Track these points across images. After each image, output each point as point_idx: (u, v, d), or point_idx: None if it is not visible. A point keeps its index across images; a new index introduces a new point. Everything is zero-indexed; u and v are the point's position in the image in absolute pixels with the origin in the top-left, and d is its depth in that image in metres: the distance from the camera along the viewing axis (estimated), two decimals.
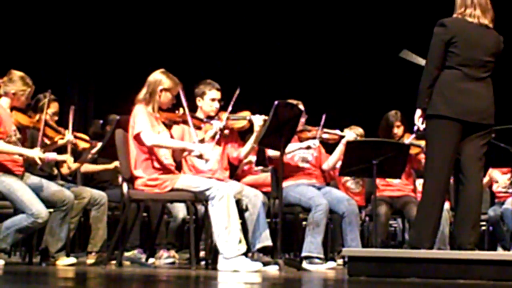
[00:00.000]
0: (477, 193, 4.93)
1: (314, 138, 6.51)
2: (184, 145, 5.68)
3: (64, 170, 6.74)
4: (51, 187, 5.79)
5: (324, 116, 6.50)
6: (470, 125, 4.89)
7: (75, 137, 6.32)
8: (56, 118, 6.52)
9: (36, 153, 5.63)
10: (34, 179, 5.78)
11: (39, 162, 5.67)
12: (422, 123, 4.98)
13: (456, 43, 4.90)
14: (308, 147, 6.45)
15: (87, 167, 7.10)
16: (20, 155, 5.68)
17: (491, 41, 4.97)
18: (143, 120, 5.47)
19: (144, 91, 5.62)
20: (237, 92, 5.96)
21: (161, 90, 5.61)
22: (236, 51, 10.99)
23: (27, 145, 5.89)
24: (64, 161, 6.37)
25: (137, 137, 5.47)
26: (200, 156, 5.53)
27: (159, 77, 5.64)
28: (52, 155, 5.96)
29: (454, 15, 5.02)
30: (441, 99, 4.89)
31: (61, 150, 6.30)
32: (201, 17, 11.01)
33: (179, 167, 5.87)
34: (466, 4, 4.98)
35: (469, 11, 4.96)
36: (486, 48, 4.93)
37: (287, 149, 6.07)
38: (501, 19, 5.11)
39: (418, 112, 4.98)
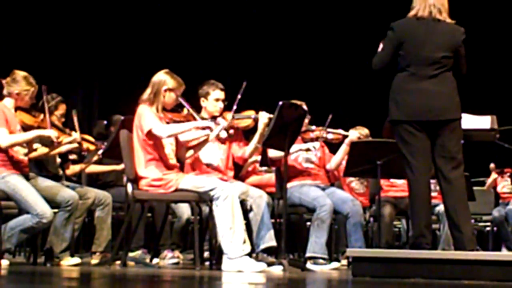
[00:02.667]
0: (460, 190, 4.88)
1: (317, 138, 6.51)
2: (195, 123, 5.63)
3: (69, 171, 6.76)
4: (56, 188, 5.80)
5: (330, 117, 6.50)
6: (428, 124, 4.87)
7: (82, 138, 6.33)
8: (63, 119, 6.54)
9: (52, 132, 5.66)
10: (39, 180, 5.79)
11: (55, 140, 5.68)
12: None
13: (403, 44, 4.92)
14: (308, 150, 6.45)
15: (94, 168, 7.10)
16: (37, 137, 5.69)
17: (444, 36, 4.90)
18: (150, 117, 5.48)
19: (148, 91, 5.62)
20: (244, 86, 5.96)
21: (165, 90, 5.61)
22: (240, 52, 10.99)
23: (32, 144, 5.90)
24: (74, 159, 6.37)
25: (149, 135, 5.46)
26: (208, 129, 5.53)
27: (163, 78, 5.64)
28: (65, 146, 6.02)
29: (408, 15, 5.02)
30: (393, 104, 4.93)
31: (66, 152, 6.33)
32: (204, 17, 11.02)
33: (183, 167, 5.87)
34: (418, 3, 4.96)
35: (422, 9, 4.93)
36: (438, 44, 4.88)
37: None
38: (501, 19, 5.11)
39: None
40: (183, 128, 5.60)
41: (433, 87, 4.87)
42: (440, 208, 6.52)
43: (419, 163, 4.89)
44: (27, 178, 5.69)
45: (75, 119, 6.36)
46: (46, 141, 5.95)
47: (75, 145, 6.25)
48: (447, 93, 4.89)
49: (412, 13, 4.99)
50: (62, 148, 6.22)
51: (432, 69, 4.88)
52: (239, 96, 6.00)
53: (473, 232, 4.94)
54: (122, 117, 6.28)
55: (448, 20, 4.94)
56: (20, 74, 5.81)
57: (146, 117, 5.48)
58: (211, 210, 5.46)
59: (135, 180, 5.53)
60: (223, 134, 6.01)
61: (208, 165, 6.05)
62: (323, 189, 6.48)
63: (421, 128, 4.88)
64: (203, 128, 5.61)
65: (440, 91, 4.87)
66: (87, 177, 7.11)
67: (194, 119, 5.74)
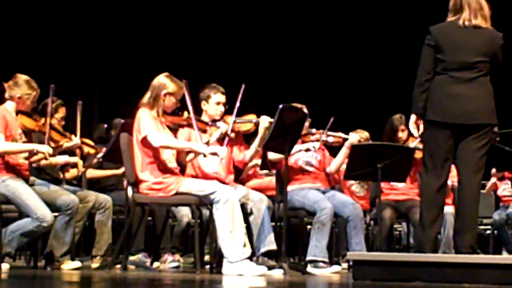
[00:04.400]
0: (470, 197, 4.93)
1: (317, 141, 6.51)
2: (192, 146, 5.67)
3: (69, 174, 6.76)
4: (56, 191, 5.80)
5: (331, 119, 6.51)
6: (461, 128, 4.90)
7: (82, 142, 6.34)
8: (63, 122, 6.55)
9: (46, 148, 5.65)
10: (39, 183, 5.79)
11: (48, 157, 5.68)
12: (417, 128, 5.05)
13: (441, 48, 4.96)
14: (308, 150, 6.45)
15: (94, 173, 7.11)
16: (31, 150, 5.68)
17: (481, 41, 4.94)
18: (148, 123, 5.48)
19: (148, 95, 5.62)
20: (242, 88, 5.97)
21: (165, 94, 5.61)
22: (241, 55, 11.00)
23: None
24: (75, 164, 6.39)
25: (144, 141, 5.47)
26: (214, 154, 5.53)
27: (163, 81, 5.64)
28: (64, 158, 5.99)
29: (447, 19, 5.05)
30: (430, 105, 4.96)
31: (67, 154, 6.32)
32: (205, 20, 11.03)
33: (183, 171, 5.87)
34: (455, 9, 5.02)
35: (459, 15, 4.99)
36: (474, 49, 4.92)
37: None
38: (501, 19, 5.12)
39: (412, 117, 5.06)
40: (178, 145, 5.61)
41: (468, 91, 4.91)
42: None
43: (435, 168, 4.94)
44: (27, 182, 5.69)
45: (79, 110, 6.37)
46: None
47: (75, 159, 6.26)
48: (481, 98, 4.92)
49: (450, 17, 5.04)
50: (60, 161, 6.22)
51: (469, 73, 4.92)
52: (239, 99, 6.00)
53: (474, 236, 4.96)
54: (123, 121, 6.28)
55: (487, 25, 4.97)
56: (22, 78, 5.81)
57: (144, 122, 5.48)
58: (211, 214, 5.46)
59: (136, 183, 5.53)
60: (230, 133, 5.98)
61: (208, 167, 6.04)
62: (324, 192, 6.48)
63: (452, 132, 4.92)
64: (198, 153, 5.61)
65: (475, 95, 4.91)
66: (87, 180, 7.11)
67: (192, 124, 5.73)
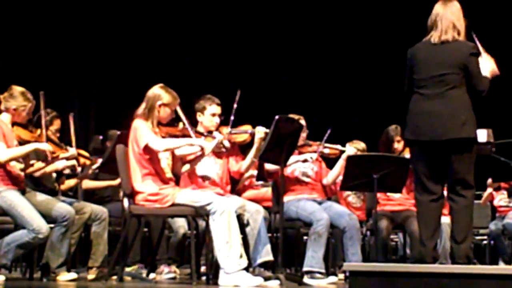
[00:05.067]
0: (463, 208, 4.95)
1: (315, 152, 6.52)
2: (189, 141, 5.66)
3: (65, 185, 6.75)
4: (52, 203, 5.79)
5: (329, 131, 6.52)
6: (433, 144, 4.95)
7: (77, 154, 6.33)
8: (58, 134, 6.54)
9: (46, 146, 5.65)
10: (35, 195, 5.78)
11: (49, 154, 5.67)
12: None
13: (413, 67, 5.05)
14: (305, 160, 6.45)
15: (90, 184, 7.10)
16: (35, 150, 5.69)
17: (446, 54, 4.96)
18: (146, 131, 5.48)
19: (143, 106, 5.62)
20: (238, 94, 5.97)
21: (159, 105, 5.61)
22: (237, 66, 11.01)
23: (29, 160, 5.89)
24: (74, 167, 6.36)
25: (145, 149, 5.46)
26: (201, 150, 5.55)
27: (157, 92, 5.64)
28: (62, 163, 6.00)
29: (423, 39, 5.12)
30: (406, 124, 5.08)
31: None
32: (201, 31, 11.04)
33: (179, 181, 5.86)
34: (430, 27, 5.07)
35: (432, 32, 5.04)
36: (440, 62, 4.95)
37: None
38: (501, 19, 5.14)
39: None
40: (179, 143, 5.60)
41: (435, 107, 4.94)
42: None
43: (425, 184, 5.01)
44: (24, 193, 5.69)
45: (71, 121, 6.37)
46: (42, 157, 5.95)
47: (73, 162, 6.25)
48: (449, 112, 4.92)
49: (426, 36, 5.09)
50: (59, 165, 6.21)
51: (436, 89, 4.96)
52: (235, 106, 6.00)
53: (469, 247, 4.98)
54: (118, 132, 6.27)
55: (460, 38, 4.99)
56: (17, 89, 5.81)
57: (142, 131, 5.48)
58: (207, 225, 5.45)
59: (132, 195, 5.52)
60: (226, 143, 5.99)
61: (203, 178, 6.03)
62: (320, 203, 6.47)
63: (427, 150, 4.97)
64: (197, 146, 5.62)
65: (441, 111, 4.93)
66: (83, 192, 7.10)
67: (189, 133, 5.74)
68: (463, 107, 4.93)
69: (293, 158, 6.32)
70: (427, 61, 4.99)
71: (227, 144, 5.91)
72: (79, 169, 6.51)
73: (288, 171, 6.43)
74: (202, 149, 5.61)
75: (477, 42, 5.11)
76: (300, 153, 6.50)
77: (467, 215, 4.96)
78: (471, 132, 4.95)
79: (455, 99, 4.93)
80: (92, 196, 7.20)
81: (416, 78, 5.02)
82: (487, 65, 5.09)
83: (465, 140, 4.92)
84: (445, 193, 5.12)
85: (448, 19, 5.00)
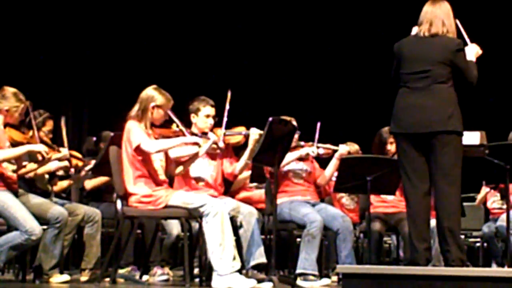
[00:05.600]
0: (447, 208, 4.92)
1: (307, 154, 6.51)
2: (183, 140, 5.65)
3: (58, 187, 6.73)
4: (45, 204, 5.78)
5: (318, 124, 6.52)
6: (418, 137, 4.94)
7: (70, 155, 6.32)
8: (51, 135, 6.53)
9: (42, 147, 5.64)
10: (28, 196, 5.77)
11: (45, 154, 5.66)
12: None
13: (400, 61, 5.08)
14: (307, 155, 6.46)
15: (92, 183, 7.07)
16: (28, 152, 5.67)
17: (433, 48, 4.99)
18: (138, 132, 5.47)
19: (136, 107, 5.62)
20: (229, 95, 5.96)
21: (153, 107, 5.60)
22: (230, 67, 11.01)
23: (21, 161, 5.88)
24: (67, 168, 6.35)
25: (137, 150, 5.45)
26: (196, 145, 5.58)
27: (151, 94, 5.63)
28: (55, 164, 6.00)
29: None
30: (392, 118, 5.10)
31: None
32: (194, 33, 11.04)
33: (172, 183, 5.86)
34: (420, 22, 5.10)
35: (421, 27, 5.07)
36: (426, 57, 4.98)
37: (284, 161, 6.06)
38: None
39: None
40: (171, 143, 5.59)
41: (421, 100, 4.95)
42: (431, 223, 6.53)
43: (411, 179, 4.99)
44: (16, 195, 5.67)
45: (63, 124, 6.36)
46: (35, 158, 5.93)
47: (65, 163, 6.24)
48: (435, 106, 4.93)
49: (413, 31, 5.12)
50: (52, 166, 6.20)
51: (422, 82, 4.98)
52: (227, 107, 5.99)
53: (462, 248, 4.96)
54: (112, 133, 6.26)
55: (449, 34, 5.00)
56: (9, 90, 5.80)
57: (135, 132, 5.47)
58: (201, 227, 5.45)
59: (125, 196, 5.51)
60: (221, 144, 5.97)
61: (197, 180, 6.03)
62: (313, 205, 6.47)
63: (414, 143, 4.96)
64: (192, 144, 5.62)
65: (426, 104, 4.94)
66: (76, 193, 7.08)
67: (184, 134, 5.74)
68: (449, 101, 4.95)
69: (293, 154, 6.31)
70: (415, 55, 5.02)
71: (221, 144, 5.91)
72: (72, 170, 6.50)
73: (282, 172, 6.42)
74: (197, 144, 5.60)
75: (462, 30, 5.15)
76: None
77: (456, 215, 4.93)
78: (457, 125, 4.94)
79: (441, 93, 4.95)
80: (85, 197, 7.18)
81: (403, 72, 5.05)
82: (472, 50, 5.15)
83: (451, 133, 4.92)
84: None
85: (437, 16, 5.04)
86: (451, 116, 4.92)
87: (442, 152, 4.90)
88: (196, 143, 5.61)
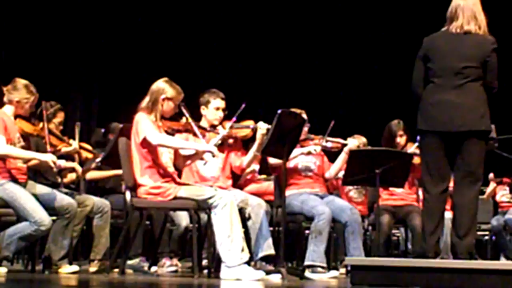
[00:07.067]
0: (467, 204, 4.94)
1: (318, 145, 6.51)
2: (195, 146, 5.68)
3: (67, 178, 6.75)
4: (54, 195, 5.80)
5: (332, 124, 6.51)
6: (450, 135, 4.92)
7: (80, 147, 6.34)
8: (61, 127, 6.55)
9: (50, 157, 5.65)
10: (37, 187, 5.79)
11: (53, 165, 5.68)
12: None
13: (429, 57, 4.99)
14: (309, 153, 6.45)
15: (94, 174, 7.09)
16: (34, 159, 5.69)
17: (468, 46, 4.94)
18: (146, 124, 5.48)
19: (146, 99, 5.62)
20: (242, 107, 5.94)
21: (163, 99, 5.61)
22: (240, 60, 11.00)
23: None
24: (72, 168, 6.39)
25: (143, 143, 5.47)
26: (211, 153, 5.56)
27: (162, 86, 5.64)
28: (61, 162, 6.00)
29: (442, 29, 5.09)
30: (419, 114, 5.01)
31: (65, 158, 6.31)
32: (205, 25, 11.03)
33: (180, 175, 5.87)
34: (451, 17, 5.03)
35: (453, 23, 5.00)
36: (461, 55, 4.93)
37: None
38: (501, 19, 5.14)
39: None
40: (181, 144, 5.61)
41: (455, 98, 4.91)
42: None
43: (434, 177, 4.99)
44: (26, 186, 5.69)
45: (77, 131, 6.39)
46: (42, 149, 5.95)
47: (72, 164, 6.27)
48: (469, 104, 4.90)
49: (445, 26, 5.05)
50: (61, 164, 6.22)
51: (456, 80, 4.92)
52: (234, 119, 5.97)
53: (472, 243, 4.97)
54: (121, 125, 6.28)
55: (481, 32, 4.96)
56: (21, 82, 5.82)
57: (142, 124, 5.48)
58: (209, 218, 5.46)
59: (134, 188, 5.53)
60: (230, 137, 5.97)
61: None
62: (322, 197, 6.48)
63: (442, 140, 4.93)
64: (203, 152, 5.61)
65: (461, 102, 4.90)
66: (85, 184, 7.11)
67: (192, 128, 5.74)
68: (481, 100, 4.93)
69: (296, 151, 6.32)
70: (448, 51, 4.94)
71: (224, 132, 5.92)
72: (79, 168, 6.51)
73: (290, 164, 6.42)
74: (210, 153, 5.60)
75: None
76: (302, 147, 6.50)
77: (472, 209, 4.94)
78: (488, 125, 4.95)
79: (474, 92, 4.92)
80: (94, 189, 7.20)
81: (434, 68, 4.97)
82: None
83: (483, 133, 4.92)
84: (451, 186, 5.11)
85: (470, 10, 4.96)
86: (483, 115, 4.92)
87: (471, 151, 4.91)
88: (209, 151, 5.60)
